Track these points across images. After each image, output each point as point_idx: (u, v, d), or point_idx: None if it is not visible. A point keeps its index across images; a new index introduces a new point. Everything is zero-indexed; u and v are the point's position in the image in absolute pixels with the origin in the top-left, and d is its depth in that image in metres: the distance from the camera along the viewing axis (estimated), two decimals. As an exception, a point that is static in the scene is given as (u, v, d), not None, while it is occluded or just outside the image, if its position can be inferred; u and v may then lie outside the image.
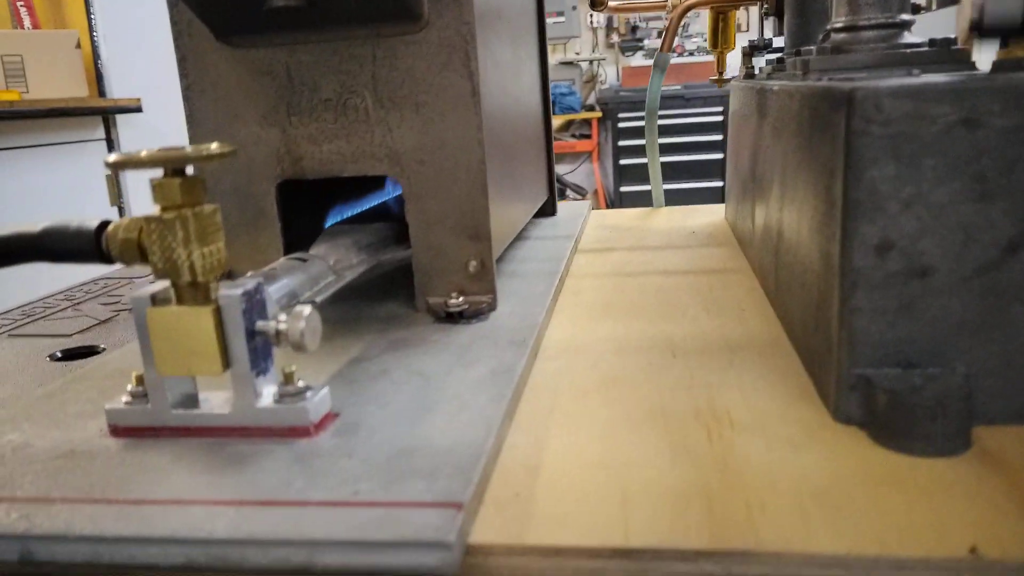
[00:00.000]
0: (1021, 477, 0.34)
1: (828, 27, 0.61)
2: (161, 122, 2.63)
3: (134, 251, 0.38)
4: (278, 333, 0.39)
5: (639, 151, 4.45)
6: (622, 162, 4.57)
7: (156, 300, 0.38)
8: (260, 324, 0.39)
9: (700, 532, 0.32)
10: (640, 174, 4.47)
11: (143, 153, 0.35)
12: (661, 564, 0.31)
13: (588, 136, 4.77)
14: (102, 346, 0.68)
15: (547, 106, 0.91)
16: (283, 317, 0.39)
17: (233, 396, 0.39)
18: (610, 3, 0.85)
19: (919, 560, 0.30)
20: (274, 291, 0.43)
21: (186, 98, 0.56)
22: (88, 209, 2.49)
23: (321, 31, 0.53)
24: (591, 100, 4.92)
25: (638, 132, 4.45)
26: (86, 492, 0.35)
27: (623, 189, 4.51)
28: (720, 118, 4.39)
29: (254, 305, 0.39)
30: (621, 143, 4.55)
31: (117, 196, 2.64)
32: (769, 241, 0.59)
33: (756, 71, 0.82)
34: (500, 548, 0.32)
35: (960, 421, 0.36)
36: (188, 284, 0.37)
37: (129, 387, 0.41)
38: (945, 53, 0.54)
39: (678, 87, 4.32)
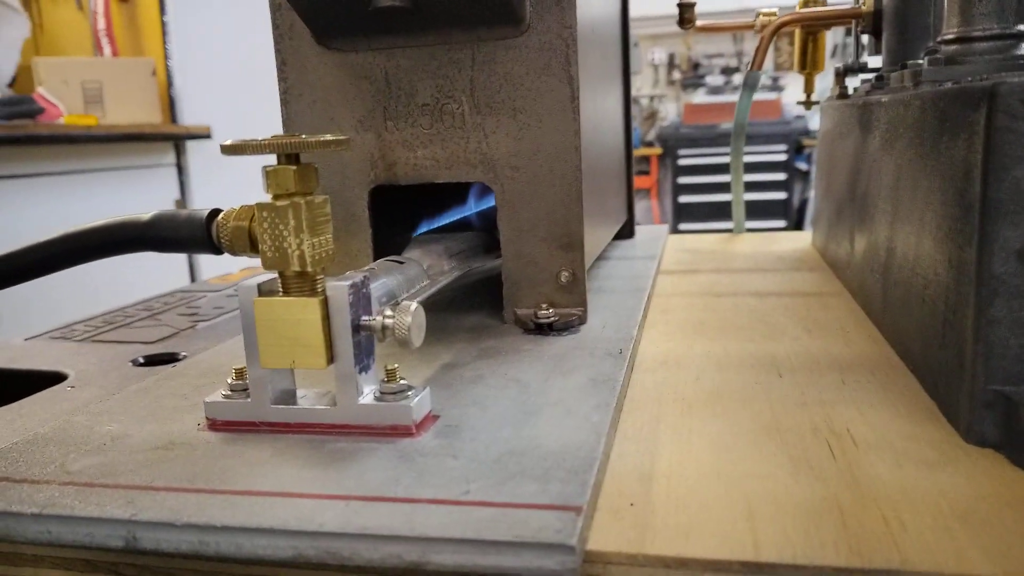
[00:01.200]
0: None
1: (935, 41, 0.59)
2: (230, 149, 2.69)
3: (244, 239, 0.38)
4: (384, 328, 0.38)
5: (698, 189, 4.43)
6: (681, 200, 4.54)
7: (263, 291, 0.38)
8: (366, 319, 0.38)
9: (837, 548, 0.29)
10: (698, 212, 4.43)
11: (260, 138, 0.35)
12: (797, 580, 0.29)
13: (647, 173, 4.76)
14: (183, 353, 0.68)
15: (628, 128, 0.89)
16: (389, 312, 0.38)
17: (336, 392, 0.38)
18: (697, 22, 0.84)
19: (1089, 587, 0.27)
20: (374, 289, 0.43)
21: (284, 102, 0.57)
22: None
23: (421, 35, 0.53)
24: (650, 136, 4.91)
25: (698, 170, 4.44)
26: (190, 481, 0.34)
27: (681, 227, 4.47)
28: (784, 156, 4.34)
29: (360, 299, 0.38)
30: (680, 180, 4.53)
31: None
32: (875, 260, 0.57)
33: (850, 91, 0.80)
34: (620, 557, 0.30)
35: (1116, 443, 0.33)
36: (296, 274, 0.37)
37: (228, 381, 0.40)
38: (1068, 66, 0.51)
39: (740, 124, 4.27)
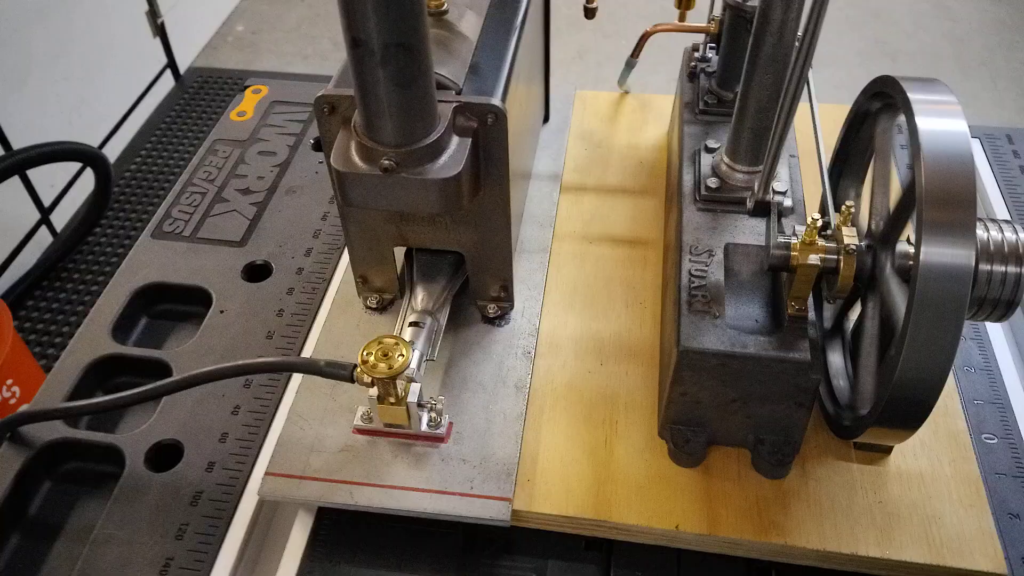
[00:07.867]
0: (715, 480, 0.92)
1: (724, 144, 1.00)
2: None
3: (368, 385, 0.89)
4: (430, 415, 0.92)
5: None
6: None
7: (379, 396, 0.90)
8: (423, 403, 0.92)
9: (593, 507, 0.90)
10: None
11: (384, 377, 0.85)
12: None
13: None
14: (273, 265, 1.18)
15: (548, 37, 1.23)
16: (432, 408, 0.92)
17: (412, 421, 0.94)
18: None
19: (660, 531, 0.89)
20: (414, 361, 0.95)
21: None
22: None
23: (424, 198, 0.94)
24: None
25: None
26: (366, 478, 0.92)
27: None
28: None
29: (420, 398, 0.91)
30: None
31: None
32: (672, 246, 1.07)
33: (698, 70, 1.16)
34: (524, 512, 0.90)
35: (700, 455, 0.93)
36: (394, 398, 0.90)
37: (360, 414, 0.95)
38: (764, 207, 0.97)
39: None
